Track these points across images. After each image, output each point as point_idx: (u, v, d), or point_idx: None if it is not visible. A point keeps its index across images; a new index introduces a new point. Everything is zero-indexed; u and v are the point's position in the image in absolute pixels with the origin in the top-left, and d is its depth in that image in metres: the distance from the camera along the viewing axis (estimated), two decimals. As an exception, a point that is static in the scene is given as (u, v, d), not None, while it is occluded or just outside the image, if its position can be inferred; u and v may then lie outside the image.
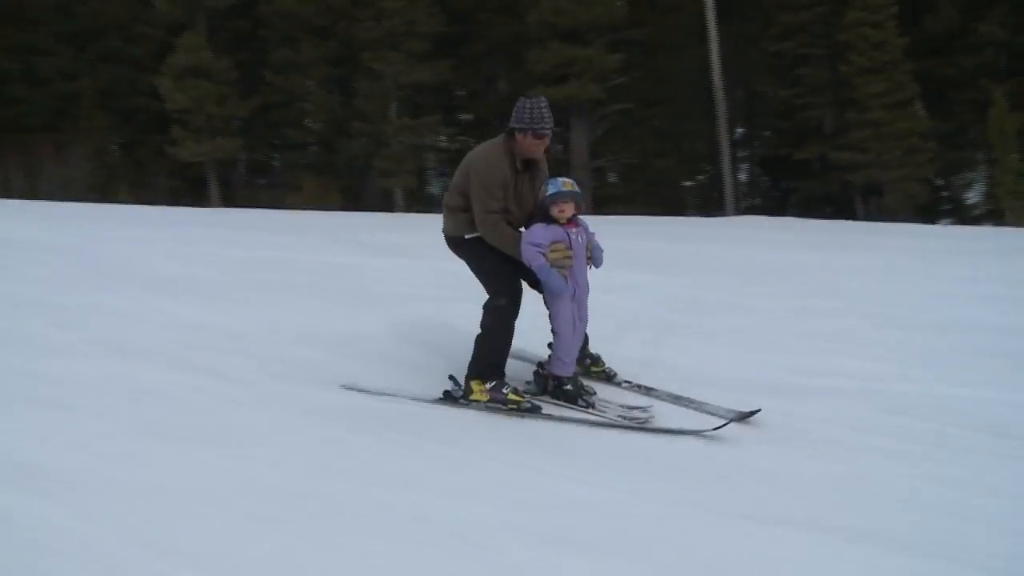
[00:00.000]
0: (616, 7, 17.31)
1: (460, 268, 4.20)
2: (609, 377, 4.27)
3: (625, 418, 3.75)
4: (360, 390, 4.05)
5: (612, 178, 21.13)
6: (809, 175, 20.14)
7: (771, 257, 10.26)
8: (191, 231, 10.33)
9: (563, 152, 19.69)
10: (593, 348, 4.37)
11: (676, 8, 20.80)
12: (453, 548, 2.35)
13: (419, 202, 22.03)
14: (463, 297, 4.52)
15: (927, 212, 19.60)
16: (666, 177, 20.00)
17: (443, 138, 21.62)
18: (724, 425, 3.52)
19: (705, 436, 3.50)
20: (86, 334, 4.59)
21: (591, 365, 4.31)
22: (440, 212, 4.27)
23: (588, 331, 4.27)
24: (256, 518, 2.45)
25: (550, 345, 4.07)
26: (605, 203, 19.03)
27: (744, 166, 26.10)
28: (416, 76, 18.53)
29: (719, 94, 17.27)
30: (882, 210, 17.86)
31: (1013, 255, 10.43)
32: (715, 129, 17.80)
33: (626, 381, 4.24)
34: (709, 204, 22.26)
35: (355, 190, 21.79)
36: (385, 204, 20.07)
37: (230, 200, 19.98)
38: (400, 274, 7.52)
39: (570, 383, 3.94)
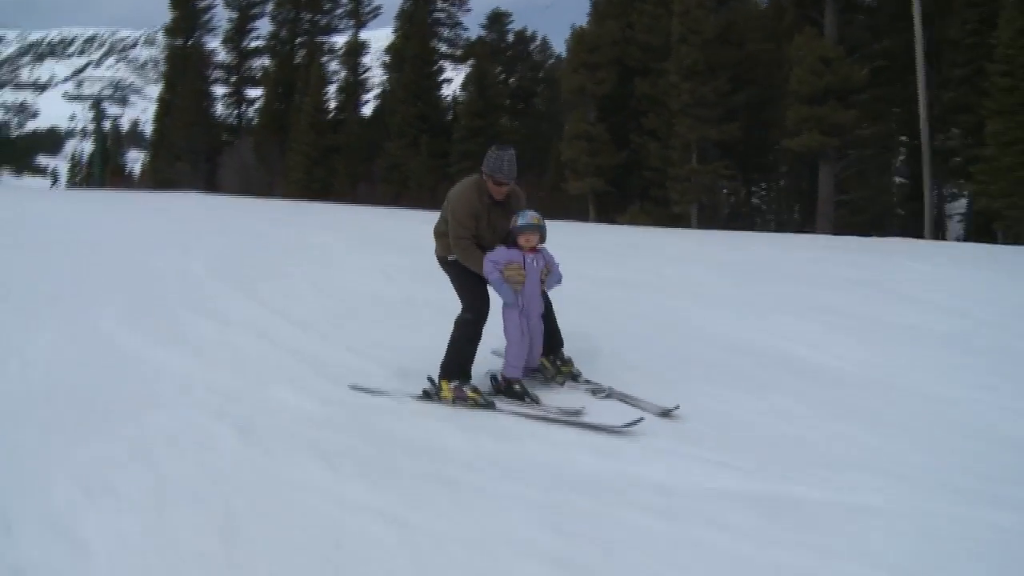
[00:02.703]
0: (851, 72, 18.27)
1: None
2: (575, 377, 4.50)
3: (561, 410, 3.97)
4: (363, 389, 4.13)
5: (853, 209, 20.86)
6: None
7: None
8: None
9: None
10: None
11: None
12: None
13: (715, 222, 24.48)
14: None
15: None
16: (888, 209, 20.13)
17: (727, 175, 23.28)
18: (634, 423, 3.60)
19: (622, 429, 3.57)
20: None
21: (562, 365, 4.54)
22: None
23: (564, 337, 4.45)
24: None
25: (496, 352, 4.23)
26: (844, 229, 19.11)
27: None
28: (702, 133, 22.16)
29: (924, 139, 17.72)
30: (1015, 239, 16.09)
31: None
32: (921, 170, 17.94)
33: (587, 380, 4.50)
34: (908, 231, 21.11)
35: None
36: (683, 223, 22.81)
37: (606, 219, 24.82)
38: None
39: (518, 384, 4.04)
